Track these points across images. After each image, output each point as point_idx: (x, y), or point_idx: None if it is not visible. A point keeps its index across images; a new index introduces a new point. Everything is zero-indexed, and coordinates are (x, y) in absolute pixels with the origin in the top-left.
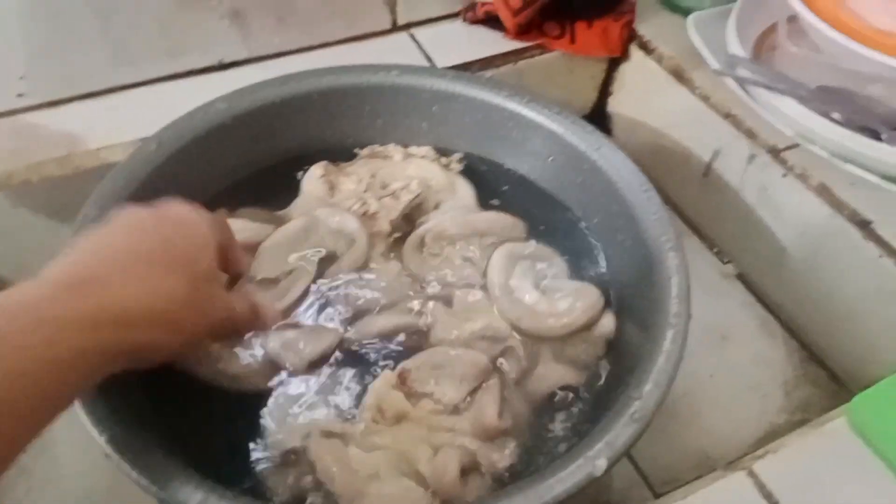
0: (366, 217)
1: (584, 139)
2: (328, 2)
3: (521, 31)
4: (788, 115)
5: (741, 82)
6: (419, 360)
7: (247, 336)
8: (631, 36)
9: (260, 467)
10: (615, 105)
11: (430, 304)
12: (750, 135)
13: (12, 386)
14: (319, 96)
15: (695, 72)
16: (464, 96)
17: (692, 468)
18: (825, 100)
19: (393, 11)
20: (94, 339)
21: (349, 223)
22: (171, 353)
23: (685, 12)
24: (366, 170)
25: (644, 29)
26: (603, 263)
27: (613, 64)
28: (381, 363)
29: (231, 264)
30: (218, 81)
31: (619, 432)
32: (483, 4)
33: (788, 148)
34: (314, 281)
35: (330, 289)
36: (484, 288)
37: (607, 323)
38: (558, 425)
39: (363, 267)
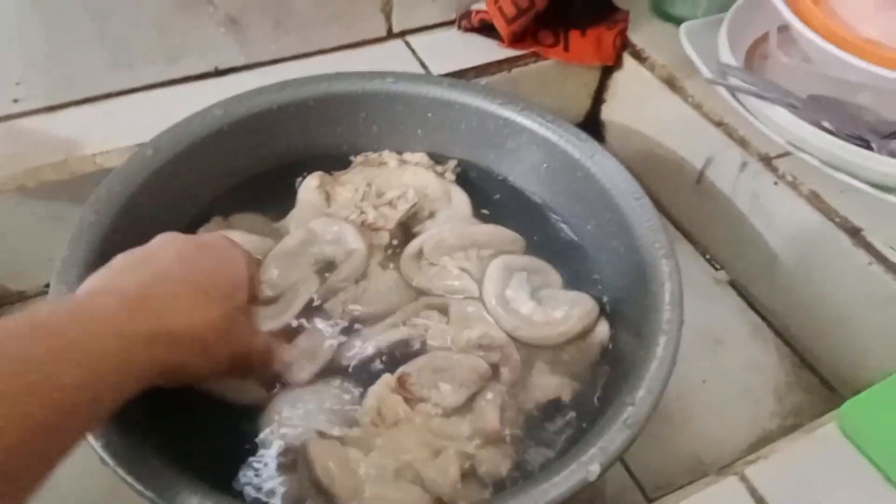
0: (363, 226)
1: (578, 147)
2: (324, 9)
3: (516, 40)
4: (780, 124)
5: (733, 91)
6: (419, 363)
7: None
8: (624, 44)
9: (257, 471)
10: (608, 113)
11: (427, 313)
12: (742, 143)
13: (83, 387)
14: (315, 103)
15: (687, 80)
16: (458, 103)
17: (685, 473)
18: (816, 108)
19: (388, 19)
20: (149, 353)
21: (347, 233)
22: (197, 376)
23: (677, 21)
24: (361, 178)
25: (637, 37)
26: (597, 271)
27: (607, 72)
28: (380, 368)
29: (252, 294)
30: (214, 87)
31: (612, 438)
32: (478, 13)
33: (780, 156)
34: (314, 294)
35: (329, 301)
36: (480, 298)
37: (602, 331)
38: (554, 432)
39: (362, 276)
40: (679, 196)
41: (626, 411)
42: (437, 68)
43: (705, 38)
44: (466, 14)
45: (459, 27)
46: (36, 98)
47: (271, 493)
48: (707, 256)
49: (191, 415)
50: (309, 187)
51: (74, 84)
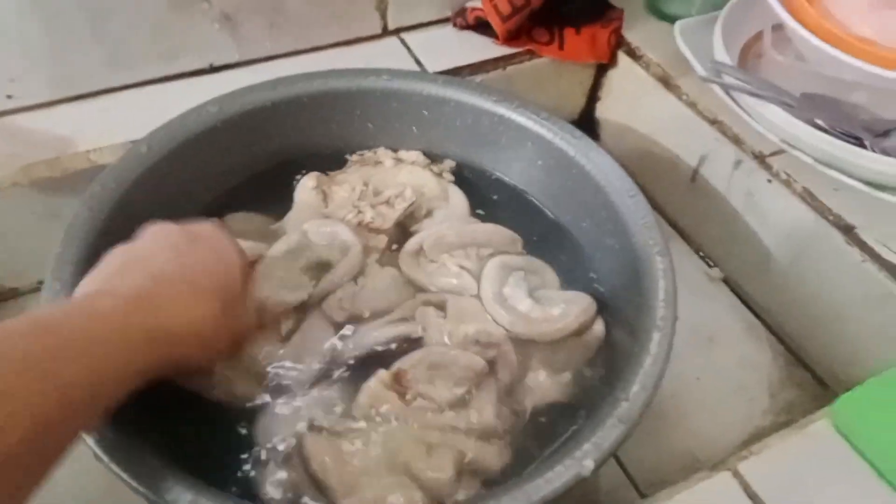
0: (361, 226)
1: (573, 144)
2: (319, 6)
3: (511, 37)
4: (774, 122)
5: (727, 89)
6: (415, 359)
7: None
8: (619, 43)
9: (253, 466)
10: (603, 111)
11: (424, 309)
12: (736, 141)
13: (83, 385)
14: (310, 100)
15: (682, 78)
16: (454, 101)
17: (679, 470)
18: (810, 107)
19: (384, 16)
20: (148, 350)
21: (341, 233)
22: (198, 366)
23: (672, 19)
24: (357, 177)
25: (632, 36)
26: (592, 269)
27: (601, 70)
28: (377, 363)
29: (246, 279)
30: (209, 84)
31: (606, 433)
32: (473, 10)
33: (774, 154)
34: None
35: (326, 300)
36: (478, 296)
37: (598, 329)
38: (549, 429)
39: (359, 274)
40: (673, 194)
41: (620, 407)
42: (433, 66)
43: (700, 36)
44: (462, 12)
45: (455, 25)
46: (30, 95)
47: (267, 488)
48: (701, 254)
49: (186, 411)
50: (306, 188)
51: (69, 81)
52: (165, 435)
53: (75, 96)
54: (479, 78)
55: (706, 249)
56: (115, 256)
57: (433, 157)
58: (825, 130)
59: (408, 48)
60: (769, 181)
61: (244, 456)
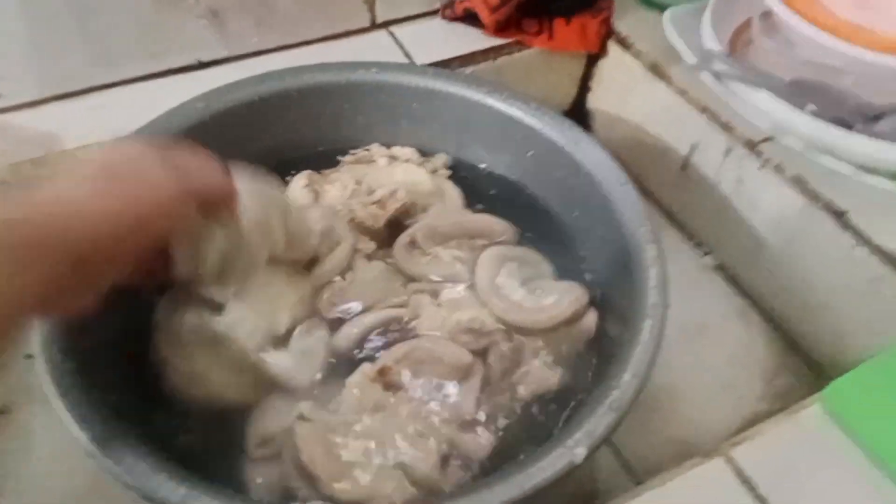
0: (353, 223)
1: (563, 134)
2: (306, 0)
3: (500, 28)
4: (763, 109)
5: (717, 77)
6: (399, 353)
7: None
8: (609, 32)
9: (243, 459)
10: (594, 101)
11: (418, 296)
12: (726, 128)
13: None
14: (298, 94)
15: (672, 67)
16: (443, 93)
17: (674, 457)
18: (799, 93)
19: (372, 9)
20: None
21: (338, 227)
22: (105, 279)
23: (661, 8)
24: (349, 176)
25: (621, 25)
26: (583, 258)
27: (592, 60)
28: (368, 352)
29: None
30: (196, 80)
31: (597, 421)
32: (461, 2)
33: (764, 141)
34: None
35: (316, 297)
36: (472, 286)
37: (590, 319)
38: (541, 418)
39: (346, 270)
40: (665, 182)
41: (612, 395)
42: (422, 58)
43: (689, 24)
44: (450, 3)
45: (443, 17)
46: (19, 93)
47: (257, 479)
48: (693, 242)
49: (176, 404)
50: (297, 186)
51: (57, 79)
52: (155, 429)
53: (63, 94)
54: (468, 70)
55: (699, 237)
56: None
57: (425, 152)
58: (815, 116)
59: (397, 41)
60: (760, 168)
61: (234, 446)
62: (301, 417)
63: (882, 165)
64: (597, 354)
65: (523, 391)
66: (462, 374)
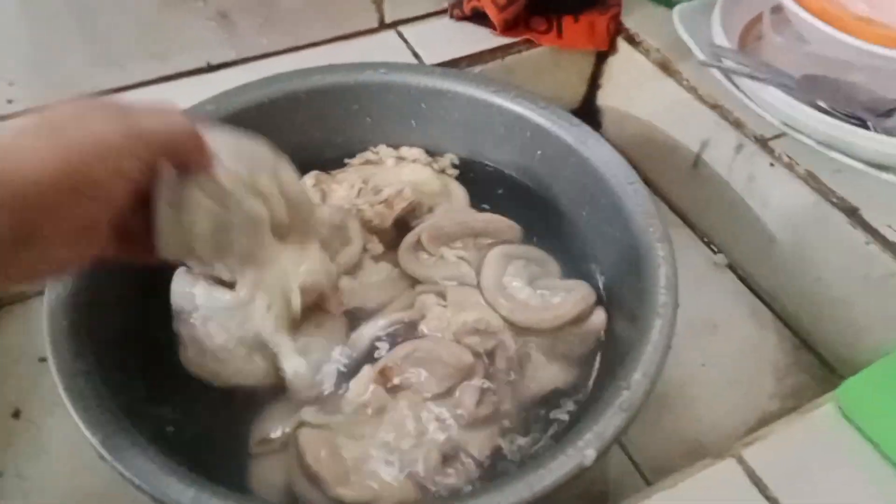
0: (361, 223)
1: (571, 132)
2: (315, 1)
3: (508, 27)
4: (774, 105)
5: (727, 73)
6: (401, 354)
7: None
8: (617, 29)
9: (250, 460)
10: (604, 98)
11: (424, 297)
12: (737, 125)
13: None
14: (307, 96)
15: (681, 63)
16: (452, 93)
17: (685, 457)
18: (810, 88)
19: (380, 9)
20: None
21: (351, 227)
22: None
23: (670, 4)
24: (357, 175)
25: (630, 22)
26: (592, 257)
27: (601, 57)
28: (375, 354)
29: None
30: (206, 83)
31: (607, 422)
32: (470, 1)
33: (775, 137)
34: None
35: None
36: (478, 286)
37: (598, 317)
38: (549, 418)
39: (354, 269)
40: (676, 180)
41: (622, 395)
42: (430, 58)
43: (698, 20)
44: (458, 3)
45: (451, 16)
46: (30, 98)
47: (261, 478)
48: (705, 240)
49: (186, 407)
50: (305, 186)
51: (67, 83)
52: (163, 428)
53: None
54: (477, 69)
55: (710, 235)
56: None
57: (434, 152)
58: (826, 112)
59: (405, 41)
60: (771, 165)
61: (240, 448)
62: (306, 420)
63: (894, 161)
64: (605, 354)
65: (530, 390)
66: (464, 375)
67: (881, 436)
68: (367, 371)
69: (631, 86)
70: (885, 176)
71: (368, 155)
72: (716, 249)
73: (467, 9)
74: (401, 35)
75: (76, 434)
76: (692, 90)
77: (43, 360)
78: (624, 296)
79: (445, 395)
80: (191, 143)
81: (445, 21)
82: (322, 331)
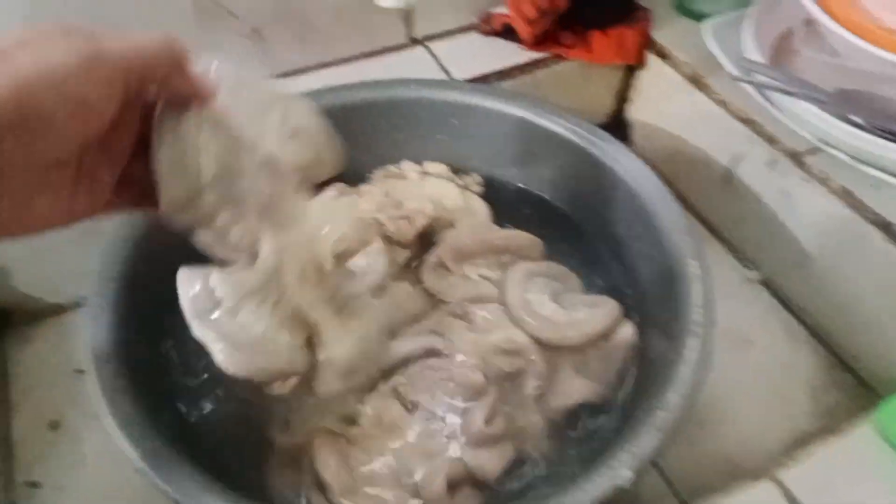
0: (382, 236)
1: (603, 149)
2: (345, 18)
3: (537, 42)
4: (808, 120)
5: (759, 87)
6: (412, 373)
7: None
8: (646, 43)
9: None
10: (633, 112)
11: (450, 321)
12: (770, 140)
13: None
14: (340, 112)
15: (712, 77)
16: (481, 108)
17: (720, 477)
18: (844, 103)
19: (409, 26)
20: None
21: (374, 250)
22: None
23: (699, 17)
24: (379, 189)
25: (659, 35)
26: (623, 273)
27: (630, 71)
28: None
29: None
30: None
31: (644, 442)
32: (499, 16)
33: (809, 152)
34: None
35: None
36: (502, 303)
37: (628, 333)
38: (582, 436)
39: (380, 291)
40: (707, 194)
41: (657, 415)
42: (460, 74)
43: (729, 34)
44: (487, 18)
45: (481, 31)
46: None
47: (274, 481)
48: (737, 255)
49: (221, 424)
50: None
51: None
52: (200, 443)
53: None
54: (506, 84)
55: (742, 251)
56: None
57: (460, 168)
58: (861, 127)
59: (434, 57)
60: (805, 180)
61: (263, 454)
62: (323, 429)
63: None
64: (636, 370)
65: (558, 407)
66: (475, 394)
67: None
68: (385, 388)
69: (660, 100)
70: None
71: (391, 168)
72: (748, 265)
73: (496, 24)
74: (430, 51)
75: (113, 446)
76: (723, 104)
77: (79, 371)
78: (657, 313)
79: (458, 414)
80: (169, 67)
81: (474, 36)
82: (358, 320)
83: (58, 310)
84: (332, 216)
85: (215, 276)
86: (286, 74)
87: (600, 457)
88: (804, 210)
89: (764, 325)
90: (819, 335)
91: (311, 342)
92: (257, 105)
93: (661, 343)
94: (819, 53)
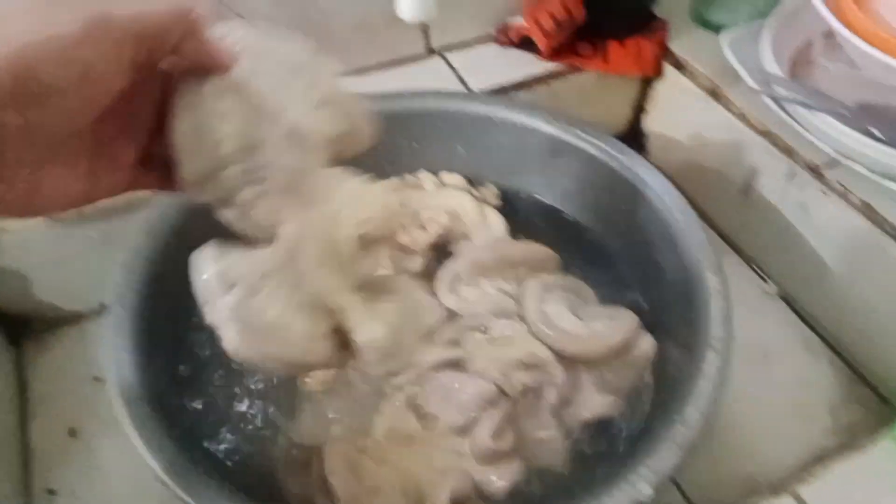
0: (395, 245)
1: (621, 161)
2: (363, 29)
3: (555, 53)
4: (827, 133)
5: (779, 100)
6: (430, 383)
7: None
8: (664, 54)
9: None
10: (650, 123)
11: (469, 335)
12: (788, 152)
13: None
14: None
15: (730, 89)
16: (498, 120)
17: (738, 492)
18: (865, 116)
19: (427, 36)
20: None
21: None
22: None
23: (717, 28)
24: (394, 198)
25: (677, 46)
26: (640, 286)
27: (647, 82)
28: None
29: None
30: None
31: (663, 458)
32: (516, 27)
33: (828, 165)
34: None
35: None
36: (520, 317)
37: (647, 345)
38: (600, 451)
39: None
40: (725, 207)
41: (677, 430)
42: (477, 85)
43: (747, 46)
44: (505, 29)
45: (498, 42)
46: None
47: (288, 485)
48: (755, 268)
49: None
50: None
51: None
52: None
53: None
54: (524, 95)
55: (760, 263)
56: None
57: (477, 179)
58: (881, 140)
59: (452, 68)
60: (824, 193)
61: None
62: (336, 436)
63: None
64: (654, 384)
65: (578, 420)
66: (486, 406)
67: None
68: (400, 398)
69: (677, 111)
70: None
71: (408, 178)
72: (766, 278)
73: (514, 35)
74: (447, 61)
75: (131, 454)
76: (741, 116)
77: (97, 379)
78: (675, 326)
79: (466, 428)
80: (183, 32)
81: (492, 47)
82: (395, 296)
83: (76, 317)
84: (361, 197)
85: (231, 258)
86: None
87: (619, 472)
88: (823, 223)
89: (782, 340)
90: (838, 350)
91: (338, 334)
92: (282, 72)
93: (679, 357)
94: (839, 65)
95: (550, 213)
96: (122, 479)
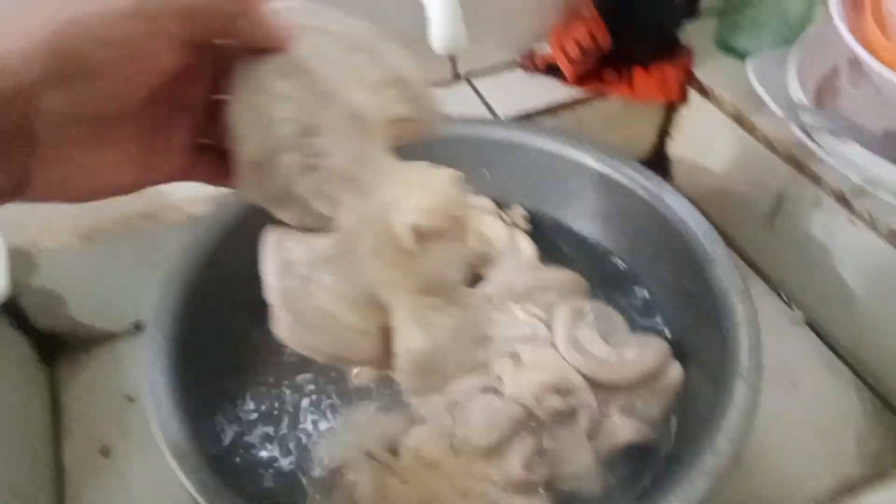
0: None
1: (646, 188)
2: None
3: (580, 79)
4: (854, 161)
5: (805, 128)
6: (457, 405)
7: None
8: (688, 80)
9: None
10: (675, 149)
11: (500, 361)
12: (815, 180)
13: None
14: None
15: (755, 115)
16: (524, 146)
17: None
18: (891, 144)
19: (453, 62)
20: None
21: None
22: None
23: (741, 55)
24: None
25: (702, 73)
26: (667, 314)
27: (672, 108)
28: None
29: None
30: None
31: (693, 488)
32: (542, 54)
33: (855, 193)
34: None
35: None
36: (551, 343)
37: (675, 373)
38: (629, 477)
39: None
40: (751, 233)
41: (707, 460)
42: (503, 110)
43: (772, 72)
44: (531, 56)
45: (524, 69)
46: None
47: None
48: (782, 295)
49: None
50: None
51: None
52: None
53: None
54: (550, 121)
55: (787, 291)
56: None
57: (504, 204)
58: None
59: (478, 93)
60: (851, 221)
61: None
62: (366, 454)
63: None
64: (683, 413)
65: (606, 448)
66: (513, 429)
67: None
68: (428, 419)
69: (702, 136)
70: None
71: None
72: (793, 305)
73: (539, 62)
74: (474, 87)
75: (163, 473)
76: (766, 142)
77: (130, 398)
78: (702, 354)
79: (496, 453)
80: (236, 10)
81: (517, 73)
82: (456, 311)
83: (110, 337)
84: (423, 185)
85: (295, 239)
86: None
87: (647, 502)
88: (850, 251)
89: (809, 367)
90: (865, 378)
91: (388, 333)
92: (343, 51)
93: (708, 384)
94: (865, 92)
95: (576, 238)
96: (154, 499)
